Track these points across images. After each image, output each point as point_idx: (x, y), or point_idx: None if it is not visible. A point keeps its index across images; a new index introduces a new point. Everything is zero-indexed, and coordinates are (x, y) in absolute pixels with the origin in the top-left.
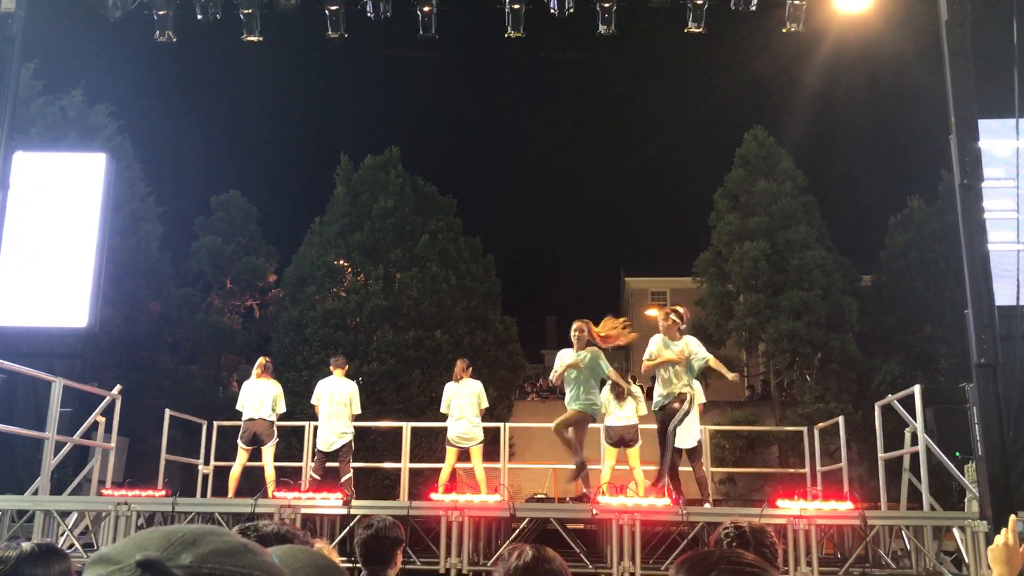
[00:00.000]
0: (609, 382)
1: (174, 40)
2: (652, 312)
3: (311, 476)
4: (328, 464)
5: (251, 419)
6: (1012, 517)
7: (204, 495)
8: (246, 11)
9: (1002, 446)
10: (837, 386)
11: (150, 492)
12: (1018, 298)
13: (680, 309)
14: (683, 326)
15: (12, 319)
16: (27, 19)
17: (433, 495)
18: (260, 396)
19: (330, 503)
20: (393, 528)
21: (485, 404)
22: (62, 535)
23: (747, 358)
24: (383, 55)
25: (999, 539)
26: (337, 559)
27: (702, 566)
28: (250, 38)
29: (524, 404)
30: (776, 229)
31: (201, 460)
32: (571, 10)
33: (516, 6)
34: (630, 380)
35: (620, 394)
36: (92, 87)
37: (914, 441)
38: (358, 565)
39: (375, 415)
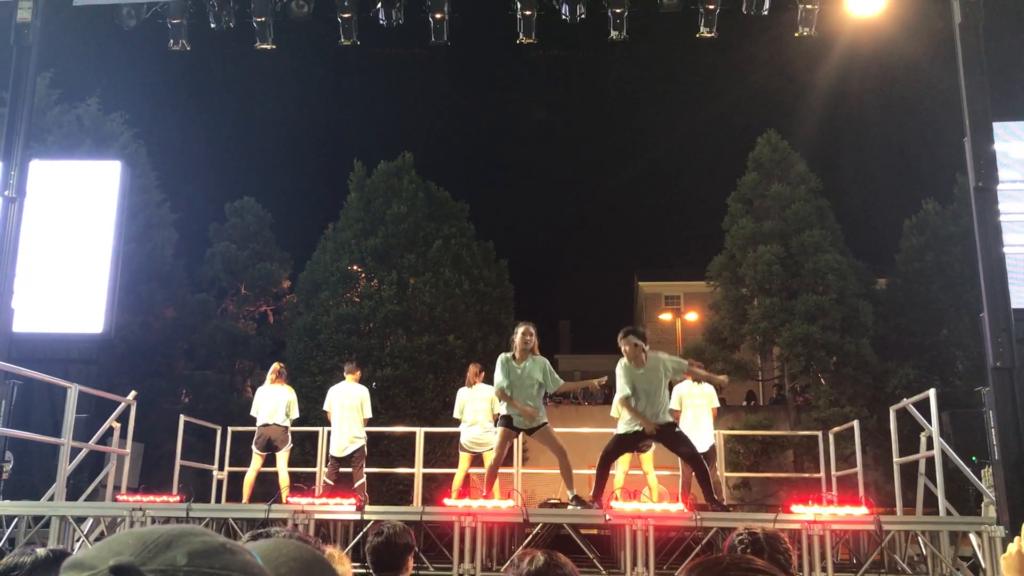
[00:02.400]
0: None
1: (188, 49)
2: (666, 317)
3: (324, 481)
4: (342, 469)
5: (265, 425)
6: None
7: (218, 501)
8: (259, 19)
9: (1019, 450)
10: (852, 390)
11: (165, 498)
12: None
13: (641, 330)
14: (647, 347)
15: (29, 325)
16: (43, 29)
17: (446, 500)
18: (274, 402)
19: (343, 508)
20: (404, 534)
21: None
22: (78, 541)
23: (761, 362)
24: (395, 62)
25: (1012, 547)
26: (348, 565)
27: (712, 571)
28: (263, 46)
29: None
30: (790, 233)
31: (215, 465)
32: (582, 16)
33: (528, 12)
34: None
35: None
36: (107, 96)
37: (930, 445)
38: (370, 571)
39: (388, 420)
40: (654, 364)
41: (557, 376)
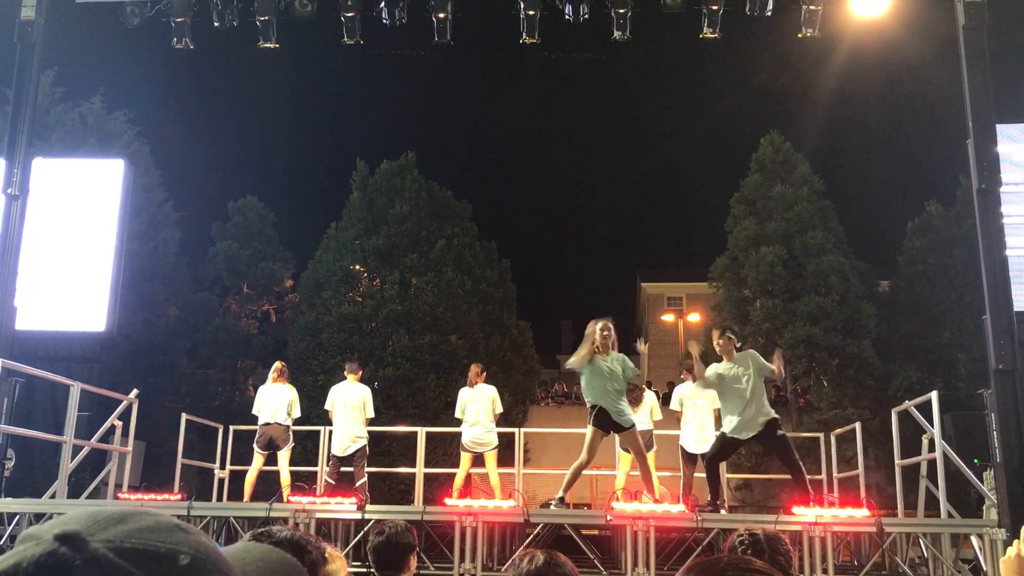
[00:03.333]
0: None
1: (191, 47)
2: (668, 318)
3: (326, 481)
4: (343, 469)
5: (267, 424)
6: None
7: (220, 499)
8: (263, 18)
9: (1021, 453)
10: (854, 392)
11: (166, 496)
12: None
13: (734, 327)
14: (739, 343)
15: (31, 323)
16: (47, 27)
17: (448, 500)
18: (276, 401)
19: (344, 508)
20: (406, 533)
21: (500, 409)
22: None
23: None
24: (398, 62)
25: (1011, 550)
26: (342, 563)
27: (710, 572)
28: (266, 45)
29: (539, 409)
30: (793, 234)
31: (217, 464)
32: (586, 16)
33: (531, 12)
34: (644, 386)
35: (635, 399)
36: (111, 94)
37: (931, 448)
38: (372, 570)
39: (390, 420)
40: (743, 360)
41: (635, 368)
